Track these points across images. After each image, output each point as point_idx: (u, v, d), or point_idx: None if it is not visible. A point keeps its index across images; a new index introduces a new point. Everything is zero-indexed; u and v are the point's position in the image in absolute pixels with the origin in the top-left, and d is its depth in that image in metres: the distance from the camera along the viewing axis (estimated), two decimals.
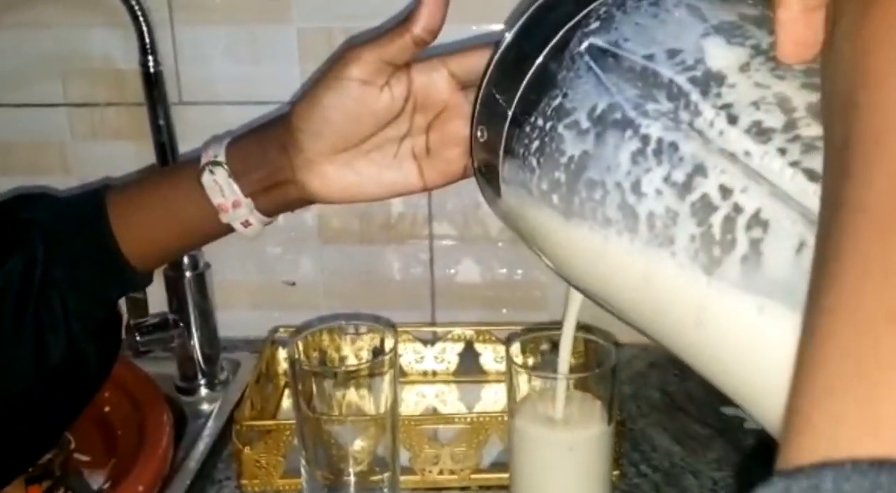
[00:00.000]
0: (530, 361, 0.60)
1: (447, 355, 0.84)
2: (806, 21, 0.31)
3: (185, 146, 0.79)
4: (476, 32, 0.79)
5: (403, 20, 0.50)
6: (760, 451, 0.71)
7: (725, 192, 0.32)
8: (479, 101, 0.44)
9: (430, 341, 0.84)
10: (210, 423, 0.77)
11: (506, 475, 0.62)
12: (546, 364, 0.58)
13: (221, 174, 0.54)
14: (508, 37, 0.43)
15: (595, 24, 0.39)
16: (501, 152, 0.42)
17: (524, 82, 0.41)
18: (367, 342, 0.65)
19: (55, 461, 0.71)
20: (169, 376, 0.82)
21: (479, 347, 0.84)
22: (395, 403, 0.62)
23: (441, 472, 0.69)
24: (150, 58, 0.74)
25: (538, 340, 0.60)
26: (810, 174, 0.30)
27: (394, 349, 0.61)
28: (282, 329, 0.83)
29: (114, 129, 0.84)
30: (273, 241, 0.87)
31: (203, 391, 0.81)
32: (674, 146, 0.34)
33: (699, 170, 0.33)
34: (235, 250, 0.87)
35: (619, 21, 0.38)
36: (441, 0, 0.49)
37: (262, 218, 0.56)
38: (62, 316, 0.55)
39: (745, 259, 0.31)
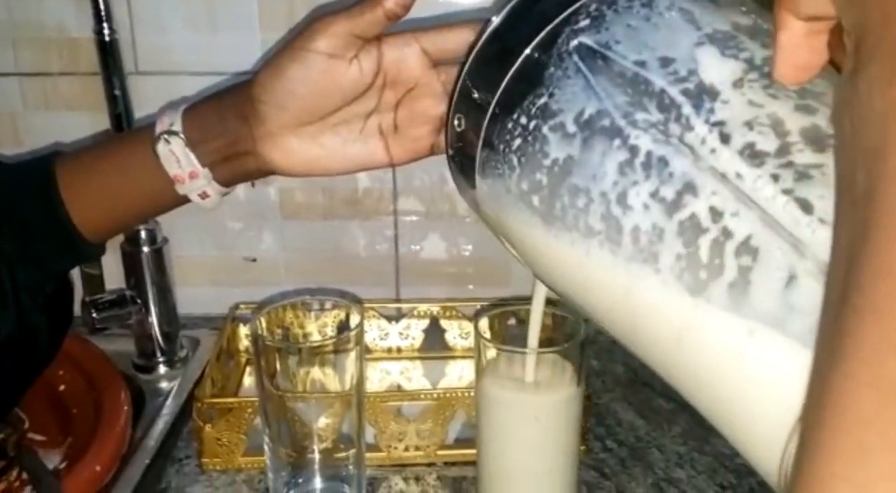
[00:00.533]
0: (498, 335, 0.59)
1: (412, 331, 0.83)
2: (808, 45, 0.30)
3: (141, 117, 0.77)
4: (444, 4, 0.78)
5: None
6: None
7: (715, 214, 0.32)
8: (458, 88, 0.42)
9: (395, 317, 0.83)
10: (169, 401, 0.75)
11: (472, 451, 0.62)
12: (514, 339, 0.57)
13: (178, 144, 0.52)
14: (492, 24, 0.41)
15: (585, 22, 0.37)
16: (479, 145, 0.41)
17: (508, 76, 0.39)
18: (332, 319, 0.64)
19: (8, 441, 0.69)
20: (126, 354, 0.80)
21: (444, 323, 0.83)
22: (361, 380, 0.60)
23: (407, 448, 0.68)
24: (105, 26, 0.72)
25: (506, 315, 0.60)
26: (804, 205, 0.30)
27: (360, 325, 0.60)
28: (243, 306, 0.81)
29: (67, 99, 0.82)
30: (233, 216, 0.85)
31: (162, 369, 0.80)
32: (664, 161, 0.33)
33: (689, 188, 0.33)
34: (194, 225, 0.85)
35: (611, 21, 0.37)
36: None
37: (220, 189, 0.54)
38: (11, 289, 0.53)
39: (732, 285, 0.31)
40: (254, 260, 0.87)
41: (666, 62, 0.35)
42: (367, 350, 0.82)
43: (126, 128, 0.74)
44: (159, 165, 0.52)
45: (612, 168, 0.35)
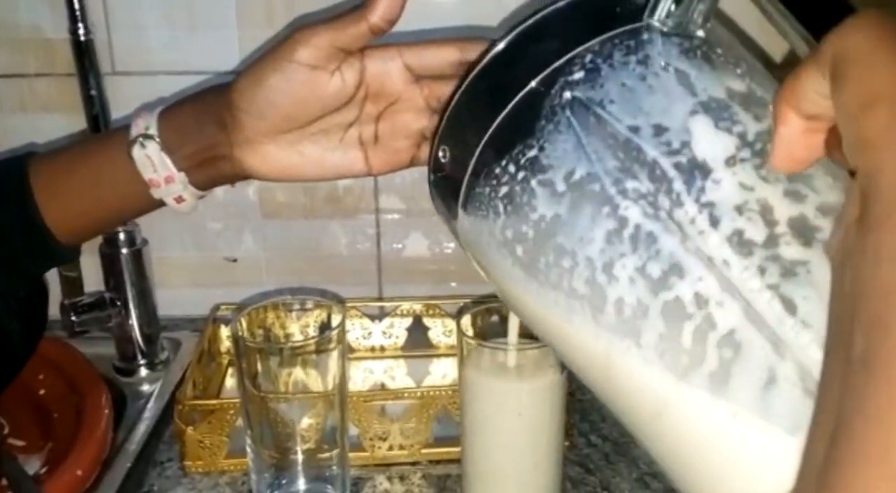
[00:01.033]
0: (480, 331, 0.59)
1: (395, 330, 0.83)
2: (805, 142, 0.31)
3: (119, 118, 0.76)
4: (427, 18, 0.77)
5: (360, 5, 0.48)
6: None
7: (700, 300, 0.32)
8: (446, 118, 0.41)
9: (378, 316, 0.83)
10: (151, 404, 0.74)
11: (456, 449, 0.62)
12: (496, 335, 0.57)
13: (153, 148, 0.51)
14: (485, 60, 0.39)
15: (579, 75, 0.37)
16: (464, 182, 0.40)
17: (498, 119, 0.38)
18: (313, 318, 0.64)
19: None
20: (107, 357, 0.79)
21: (427, 321, 0.82)
22: (343, 379, 0.60)
23: (391, 448, 0.68)
24: (81, 26, 0.71)
25: (488, 311, 0.59)
26: (788, 304, 0.30)
27: (341, 325, 0.59)
28: (224, 307, 0.81)
29: (44, 101, 0.81)
30: (213, 216, 0.84)
31: (143, 372, 0.79)
32: (652, 237, 0.33)
33: (676, 269, 0.33)
34: (174, 226, 0.84)
35: (606, 77, 0.36)
36: None
37: (196, 192, 0.53)
38: None
39: (714, 374, 0.31)
40: (235, 260, 0.86)
41: (659, 131, 0.34)
42: (351, 349, 0.82)
43: (103, 129, 0.74)
44: (135, 169, 0.52)
45: (600, 235, 0.35)
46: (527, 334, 0.54)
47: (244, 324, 0.59)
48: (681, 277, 0.32)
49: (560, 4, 0.38)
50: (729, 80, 0.36)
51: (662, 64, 0.36)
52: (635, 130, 0.35)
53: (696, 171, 0.33)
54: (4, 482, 0.62)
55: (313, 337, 0.61)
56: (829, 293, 0.28)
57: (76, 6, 0.70)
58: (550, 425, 0.57)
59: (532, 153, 0.37)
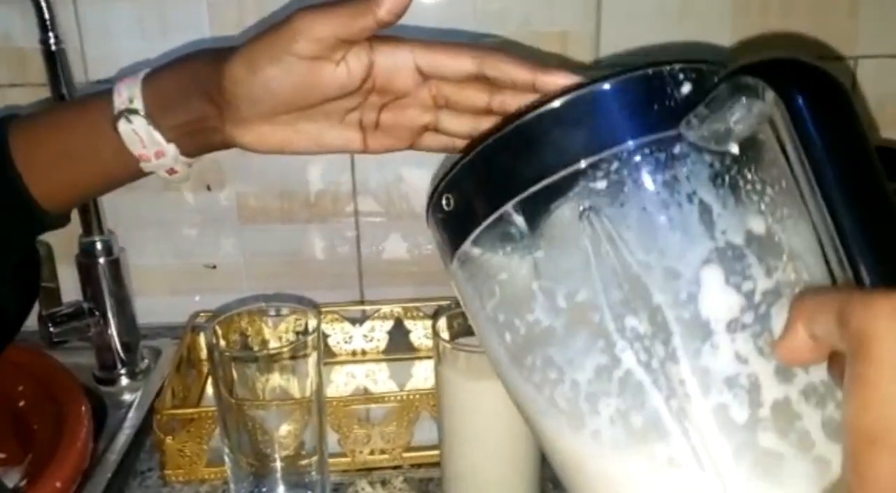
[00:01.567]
0: (457, 333, 0.59)
1: (376, 333, 0.83)
2: (810, 352, 0.31)
3: None
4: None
5: None
6: None
7: (674, 465, 0.33)
8: (458, 169, 0.38)
9: (359, 320, 0.83)
10: (131, 413, 0.74)
11: (437, 452, 0.61)
12: (473, 336, 0.57)
13: (140, 123, 0.49)
14: (510, 127, 0.37)
15: (602, 184, 0.35)
16: (463, 245, 0.39)
17: (509, 203, 0.36)
18: (290, 324, 0.63)
19: None
20: (87, 367, 0.79)
21: (408, 324, 0.82)
22: (320, 385, 0.60)
23: (372, 452, 0.67)
24: (51, 34, 0.70)
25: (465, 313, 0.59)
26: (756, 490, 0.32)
27: (317, 330, 0.59)
28: (202, 314, 0.80)
29: (17, 111, 0.80)
30: (190, 223, 0.84)
31: (123, 381, 0.79)
32: (640, 388, 0.34)
33: (656, 428, 0.34)
34: (152, 233, 0.84)
35: (629, 195, 0.34)
36: None
37: (187, 161, 0.51)
38: None
39: None
40: (214, 267, 0.86)
41: (670, 276, 0.34)
42: (332, 354, 0.82)
43: None
44: (121, 143, 0.49)
45: (591, 366, 0.34)
46: None
47: (219, 332, 0.59)
48: (659, 436, 0.33)
49: (601, 86, 0.36)
50: (751, 218, 0.35)
51: (688, 192, 0.34)
52: (647, 267, 0.34)
53: (697, 330, 0.33)
54: None
55: (288, 344, 0.61)
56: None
57: (45, 15, 0.70)
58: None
59: (538, 254, 0.36)
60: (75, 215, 0.75)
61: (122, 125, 0.49)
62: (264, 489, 0.61)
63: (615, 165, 0.35)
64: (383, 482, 0.67)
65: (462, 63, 0.46)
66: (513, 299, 0.37)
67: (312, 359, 0.59)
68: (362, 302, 0.87)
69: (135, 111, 0.49)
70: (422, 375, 0.80)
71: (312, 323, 0.61)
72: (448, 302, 0.75)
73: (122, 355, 0.78)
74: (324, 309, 0.81)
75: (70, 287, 0.77)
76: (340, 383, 0.80)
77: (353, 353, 0.83)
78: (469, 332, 0.58)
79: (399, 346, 0.82)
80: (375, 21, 0.45)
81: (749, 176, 0.35)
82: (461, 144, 0.49)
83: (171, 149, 0.50)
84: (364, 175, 0.83)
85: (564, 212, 0.35)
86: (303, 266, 0.86)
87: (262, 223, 0.84)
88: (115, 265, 0.77)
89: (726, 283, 0.33)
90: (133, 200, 0.82)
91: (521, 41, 0.79)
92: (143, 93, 0.49)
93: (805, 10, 0.79)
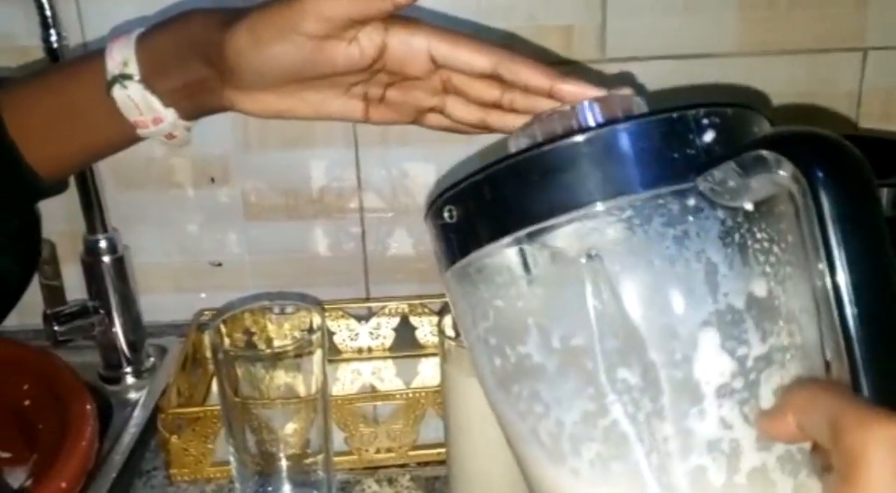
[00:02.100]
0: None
1: (382, 330, 0.82)
2: (792, 438, 0.32)
3: None
4: None
5: None
6: None
7: None
8: (466, 184, 0.37)
9: (365, 317, 0.82)
10: (137, 412, 0.74)
11: (444, 451, 0.61)
12: None
13: (135, 89, 0.47)
14: (527, 155, 0.35)
15: (612, 230, 0.34)
16: (461, 263, 0.38)
17: (516, 233, 0.35)
18: (295, 322, 0.63)
19: None
20: (92, 365, 0.79)
21: (414, 320, 0.82)
22: (324, 383, 0.60)
23: (378, 451, 0.67)
24: (53, 31, 0.70)
25: None
26: None
27: (322, 328, 0.59)
28: (207, 312, 0.80)
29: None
30: (195, 220, 0.84)
31: (129, 380, 0.78)
32: (624, 439, 0.34)
33: (633, 478, 0.34)
34: (155, 231, 0.83)
35: (638, 246, 0.34)
36: None
37: (186, 125, 0.49)
38: None
39: None
40: (219, 264, 0.85)
41: (668, 335, 0.34)
42: (337, 351, 0.82)
43: None
44: (116, 109, 0.48)
45: (578, 410, 0.35)
46: None
47: (223, 330, 0.59)
48: (636, 487, 0.34)
49: (624, 127, 0.35)
50: (754, 280, 0.34)
51: (697, 250, 0.34)
52: (647, 322, 0.34)
53: (687, 392, 0.33)
54: None
55: (292, 342, 0.61)
56: None
57: (47, 12, 0.69)
58: None
59: (538, 290, 0.35)
60: (79, 214, 0.75)
61: (117, 91, 0.47)
62: (270, 488, 0.61)
63: (628, 212, 0.34)
64: (390, 481, 0.66)
65: (479, 60, 0.45)
66: (506, 328, 0.36)
67: (318, 357, 0.58)
68: (368, 299, 0.86)
69: (129, 76, 0.47)
70: (428, 372, 0.79)
71: (317, 321, 0.60)
72: None
73: (127, 353, 0.78)
74: (329, 306, 0.81)
75: (74, 286, 0.76)
76: (346, 380, 0.79)
77: (359, 350, 0.82)
78: None
79: (405, 343, 0.82)
80: (393, 4, 0.43)
81: (758, 234, 0.35)
82: (465, 128, 0.48)
83: (170, 114, 0.48)
84: (368, 171, 0.82)
85: (570, 252, 0.34)
86: (308, 263, 0.86)
87: (266, 220, 0.84)
88: (119, 263, 0.76)
89: (721, 347, 0.34)
90: (137, 198, 0.82)
91: (526, 35, 0.79)
92: (138, 56, 0.47)
93: (813, 2, 0.78)
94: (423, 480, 0.66)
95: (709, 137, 0.34)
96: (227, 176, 0.82)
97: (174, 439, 0.65)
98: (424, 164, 0.82)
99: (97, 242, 0.75)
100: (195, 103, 0.48)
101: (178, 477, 0.66)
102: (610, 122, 0.36)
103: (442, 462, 0.65)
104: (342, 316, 0.81)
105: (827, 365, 0.33)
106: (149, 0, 0.77)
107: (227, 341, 0.59)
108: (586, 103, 0.38)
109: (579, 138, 0.35)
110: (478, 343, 0.38)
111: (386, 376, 0.80)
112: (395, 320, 0.82)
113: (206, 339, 0.79)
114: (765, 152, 0.33)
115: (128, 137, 0.49)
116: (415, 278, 0.86)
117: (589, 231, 0.34)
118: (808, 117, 0.81)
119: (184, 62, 0.47)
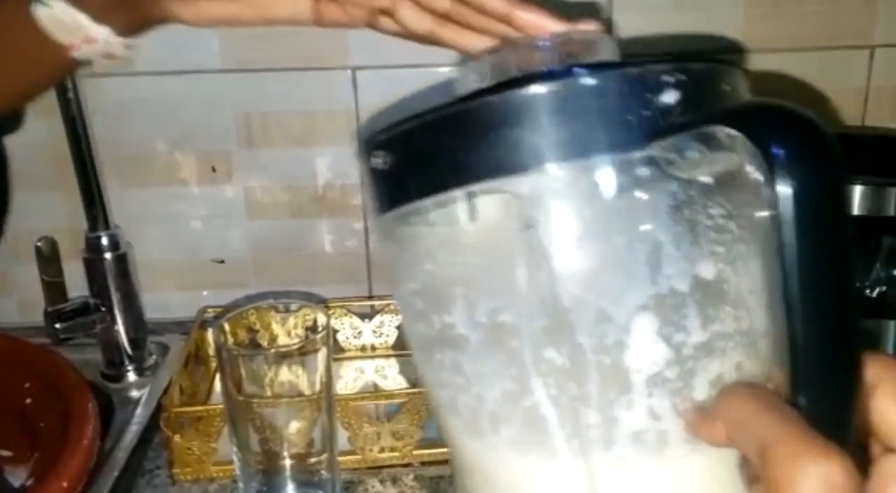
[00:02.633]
0: None
1: (385, 328, 0.82)
2: (721, 442, 0.30)
3: (99, 121, 0.75)
4: None
5: None
6: None
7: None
8: (400, 131, 0.33)
9: (368, 315, 0.82)
10: (139, 410, 0.73)
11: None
12: None
13: (60, 7, 0.44)
14: (454, 109, 0.32)
15: (555, 200, 0.31)
16: (395, 216, 0.34)
17: (443, 190, 0.32)
18: (299, 320, 0.63)
19: None
20: (94, 363, 0.78)
21: None
22: (329, 382, 0.59)
23: (382, 450, 0.67)
24: None
25: None
26: None
27: (326, 327, 0.58)
28: (210, 309, 0.80)
29: None
30: (197, 217, 0.83)
31: (131, 377, 0.78)
32: (545, 423, 0.32)
33: (554, 466, 0.32)
34: (158, 228, 0.83)
35: (580, 218, 0.31)
36: None
37: (125, 41, 0.46)
38: None
39: None
40: (221, 262, 0.85)
41: (601, 319, 0.31)
42: (341, 349, 0.81)
43: (81, 133, 0.72)
44: (45, 33, 0.45)
45: (499, 388, 0.32)
46: None
47: (227, 329, 0.58)
48: (555, 475, 0.32)
49: (567, 83, 0.30)
50: (700, 263, 0.31)
51: (643, 226, 0.31)
52: (578, 304, 0.31)
53: (615, 380, 0.31)
54: None
55: (296, 341, 0.60)
56: None
57: None
58: None
59: (468, 260, 0.33)
60: (81, 211, 0.75)
61: (41, 11, 0.44)
62: (273, 488, 0.60)
63: (571, 179, 0.30)
64: (394, 480, 0.66)
65: None
66: (432, 293, 0.34)
67: (322, 356, 0.58)
68: (371, 297, 0.86)
69: None
70: None
71: (322, 319, 0.60)
72: None
73: (129, 351, 0.78)
74: (332, 304, 0.80)
75: (76, 283, 0.76)
76: (349, 378, 0.79)
77: (363, 348, 0.82)
78: None
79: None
80: None
81: (712, 209, 0.32)
82: (417, 37, 0.46)
83: (103, 31, 0.45)
84: None
85: (507, 221, 0.31)
86: (311, 260, 0.85)
87: (269, 217, 0.83)
88: (121, 261, 0.76)
89: (658, 334, 0.31)
90: (140, 195, 0.82)
91: None
92: None
93: None
94: (427, 479, 0.66)
95: (670, 97, 0.30)
96: (230, 173, 0.81)
97: (177, 438, 0.65)
98: None
99: (99, 239, 0.75)
100: (129, 16, 0.45)
101: (180, 476, 0.66)
102: (562, 72, 0.31)
103: (446, 462, 0.64)
104: (345, 314, 0.81)
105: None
106: None
107: (230, 339, 0.59)
108: (546, 41, 0.36)
109: (523, 92, 0.31)
110: (404, 304, 0.36)
111: (389, 373, 0.80)
112: (399, 318, 0.82)
113: (209, 336, 0.78)
114: (723, 127, 0.29)
115: (65, 62, 0.46)
116: None
117: (527, 198, 0.31)
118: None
119: None
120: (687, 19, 0.78)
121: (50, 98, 0.72)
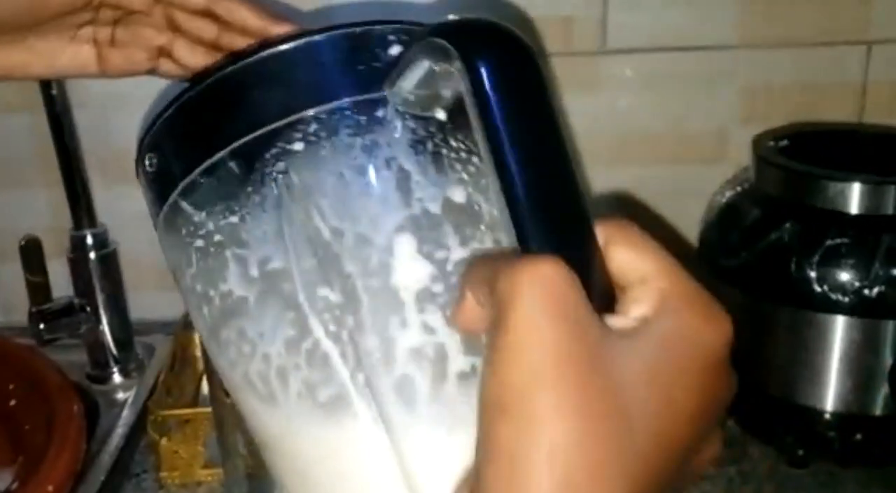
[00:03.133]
0: None
1: None
2: (480, 321, 0.29)
3: (84, 117, 0.74)
4: None
5: None
6: None
7: (359, 440, 0.32)
8: (157, 125, 0.36)
9: None
10: (125, 412, 0.72)
11: None
12: None
13: None
14: (202, 85, 0.35)
15: (300, 145, 0.33)
16: (164, 209, 0.36)
17: (205, 162, 0.34)
18: None
19: None
20: (79, 364, 0.77)
21: None
22: None
23: None
24: None
25: None
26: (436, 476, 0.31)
27: None
28: None
29: (6, 99, 0.78)
30: None
31: (117, 379, 0.77)
32: (326, 360, 0.32)
33: (340, 402, 0.32)
34: (144, 227, 0.81)
35: (325, 159, 0.33)
36: None
37: None
38: None
39: None
40: None
41: (362, 243, 0.33)
42: None
43: (66, 129, 0.71)
44: None
45: (281, 339, 0.33)
46: None
47: None
48: (346, 412, 0.32)
49: (295, 45, 0.34)
50: (451, 187, 0.34)
51: (387, 157, 0.33)
52: (339, 234, 0.33)
53: (386, 299, 0.32)
54: None
55: None
56: None
57: None
58: None
59: (233, 219, 0.34)
60: (65, 209, 0.73)
61: None
62: (261, 492, 0.59)
63: (313, 127, 0.33)
64: None
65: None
66: (208, 268, 0.35)
67: None
68: None
69: None
70: None
71: None
72: None
73: (114, 352, 0.76)
74: None
75: (60, 283, 0.74)
76: None
77: None
78: None
79: None
80: None
81: (454, 143, 0.35)
82: (192, 71, 0.47)
83: None
84: None
85: (260, 175, 0.34)
86: None
87: None
88: (107, 260, 0.75)
89: (418, 252, 0.33)
90: (125, 193, 0.80)
91: (524, 26, 0.77)
92: None
93: None
94: None
95: (395, 50, 0.34)
96: None
97: (164, 441, 0.64)
98: None
99: (84, 238, 0.74)
100: None
101: (168, 480, 0.65)
102: (297, 35, 0.35)
103: None
104: None
105: None
106: None
107: None
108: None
109: (259, 55, 0.34)
110: (189, 297, 0.37)
111: None
112: None
113: (196, 338, 0.77)
114: (435, 40, 0.31)
115: None
116: None
117: (277, 151, 0.33)
118: (810, 109, 0.79)
119: None
120: (682, 15, 0.77)
121: (33, 93, 0.71)
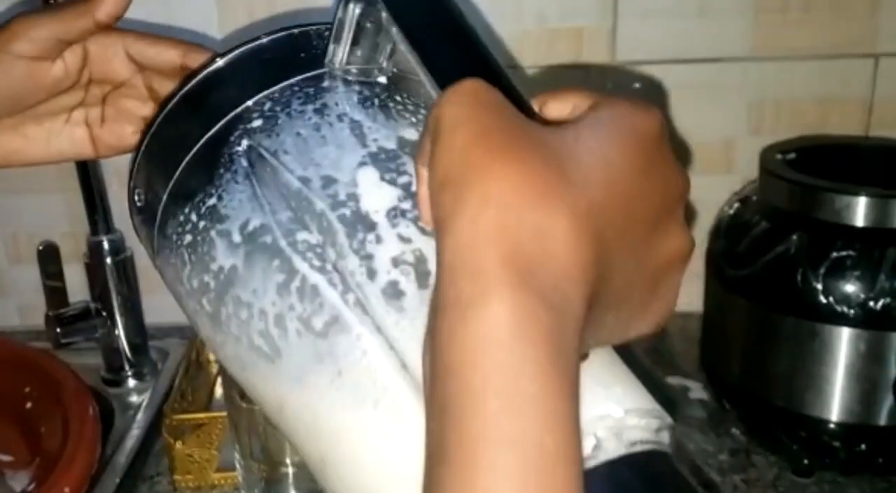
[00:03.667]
0: None
1: None
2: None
3: None
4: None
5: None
6: None
7: (360, 354, 0.33)
8: (136, 163, 0.41)
9: None
10: (140, 416, 0.73)
11: None
12: None
13: None
14: (168, 106, 0.40)
15: (258, 122, 0.38)
16: (156, 229, 0.40)
17: (181, 166, 0.39)
18: None
19: None
20: (94, 368, 0.78)
21: None
22: None
23: None
24: None
25: None
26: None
27: None
28: None
29: None
30: None
31: (131, 382, 0.78)
32: (315, 290, 0.34)
33: (336, 323, 0.33)
34: None
35: (282, 126, 0.37)
36: None
37: None
38: None
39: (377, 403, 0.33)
40: None
41: (328, 182, 0.35)
42: None
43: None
44: None
45: (272, 288, 0.35)
46: None
47: None
48: (341, 331, 0.33)
49: (243, 50, 0.39)
50: (402, 129, 0.37)
51: (338, 113, 0.37)
52: (306, 181, 0.35)
53: (359, 224, 0.34)
54: None
55: None
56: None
57: None
58: None
59: (211, 202, 0.37)
60: (83, 215, 0.75)
61: None
62: None
63: (267, 105, 0.38)
64: None
65: (169, 54, 0.48)
66: (199, 257, 0.37)
67: None
68: None
69: None
70: None
71: None
72: None
73: (129, 356, 0.78)
74: None
75: (77, 287, 0.76)
76: None
77: None
78: None
79: None
80: (95, 23, 0.46)
81: (399, 99, 0.38)
82: None
83: None
84: None
85: (227, 156, 0.37)
86: None
87: None
88: (122, 265, 0.76)
89: (381, 179, 0.35)
90: None
91: (536, 37, 0.78)
92: None
93: (825, 6, 0.78)
94: None
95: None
96: None
97: (178, 444, 0.65)
98: None
99: (100, 243, 0.75)
100: None
101: (182, 483, 0.65)
102: (241, 44, 0.40)
103: None
104: None
105: None
106: None
107: None
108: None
109: (206, 73, 0.39)
110: (190, 301, 0.39)
111: None
112: None
113: None
114: None
115: None
116: None
117: (239, 133, 0.37)
118: (819, 123, 0.80)
119: None
120: (693, 27, 0.78)
121: None
